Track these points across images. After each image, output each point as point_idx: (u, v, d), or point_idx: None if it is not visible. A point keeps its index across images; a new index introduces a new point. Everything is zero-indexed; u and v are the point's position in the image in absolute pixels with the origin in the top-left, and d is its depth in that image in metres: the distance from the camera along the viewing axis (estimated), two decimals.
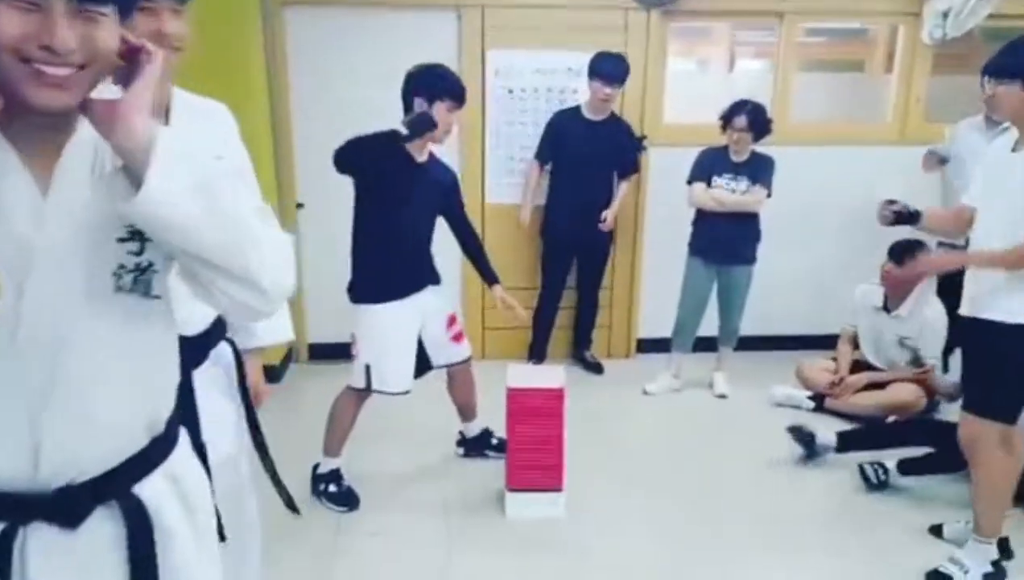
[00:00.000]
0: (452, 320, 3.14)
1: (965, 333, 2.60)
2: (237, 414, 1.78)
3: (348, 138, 2.66)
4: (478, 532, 2.86)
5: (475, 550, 2.75)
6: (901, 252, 3.67)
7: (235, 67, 3.79)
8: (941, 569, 2.59)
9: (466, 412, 3.35)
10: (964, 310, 2.51)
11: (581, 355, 4.57)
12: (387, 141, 2.64)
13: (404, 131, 2.64)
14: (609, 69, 3.91)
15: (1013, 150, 2.42)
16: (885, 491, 3.15)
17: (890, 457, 3.19)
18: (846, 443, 3.35)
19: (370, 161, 2.69)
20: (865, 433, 3.49)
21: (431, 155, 2.94)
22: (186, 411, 1.55)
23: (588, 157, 4.07)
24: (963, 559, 2.58)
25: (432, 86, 2.74)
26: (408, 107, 2.78)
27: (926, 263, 3.56)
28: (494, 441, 3.37)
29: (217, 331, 1.71)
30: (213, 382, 1.69)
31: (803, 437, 3.37)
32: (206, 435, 1.57)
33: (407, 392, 2.97)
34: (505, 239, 4.28)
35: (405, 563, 2.65)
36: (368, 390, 2.94)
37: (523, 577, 2.59)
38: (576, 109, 4.13)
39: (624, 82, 3.98)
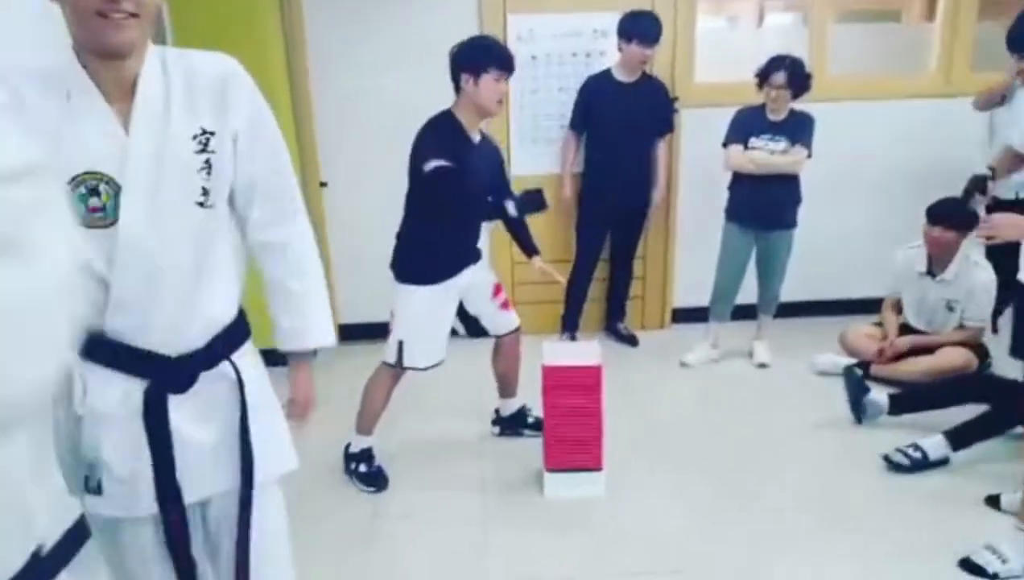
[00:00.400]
0: (498, 289, 3.08)
1: (1018, 298, 2.43)
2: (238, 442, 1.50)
3: (445, 171, 2.62)
4: (515, 512, 2.80)
5: (512, 530, 2.69)
6: (944, 215, 3.50)
7: (253, 46, 3.69)
8: (974, 558, 2.41)
9: (507, 386, 3.28)
10: (1020, 275, 2.35)
11: (614, 327, 4.45)
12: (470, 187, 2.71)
13: (514, 212, 2.76)
14: (647, 29, 3.76)
15: None
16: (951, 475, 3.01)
17: (933, 430, 3.03)
18: (899, 406, 3.23)
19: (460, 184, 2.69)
20: (918, 393, 3.35)
21: (481, 132, 2.85)
22: (158, 447, 1.38)
23: (624, 121, 3.93)
24: (1002, 548, 2.39)
25: (476, 59, 2.66)
26: (457, 86, 2.72)
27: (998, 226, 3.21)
28: (530, 419, 3.30)
29: (217, 349, 1.45)
30: (204, 410, 1.45)
31: (855, 385, 3.27)
32: (186, 475, 1.41)
33: (437, 364, 2.92)
34: None
35: (441, 544, 2.61)
36: (400, 367, 2.89)
37: (561, 557, 2.53)
38: (607, 72, 3.98)
39: (659, 40, 3.83)
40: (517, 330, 3.16)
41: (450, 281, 2.86)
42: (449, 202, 2.72)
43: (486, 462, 3.14)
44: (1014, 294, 2.80)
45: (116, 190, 1.28)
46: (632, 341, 4.38)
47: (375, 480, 2.97)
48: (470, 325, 3.06)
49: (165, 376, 1.37)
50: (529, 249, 3.14)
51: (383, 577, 2.45)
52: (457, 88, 2.73)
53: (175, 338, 1.39)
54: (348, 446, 3.04)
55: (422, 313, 2.84)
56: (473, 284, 2.97)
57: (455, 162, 2.62)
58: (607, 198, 4.08)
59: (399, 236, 2.90)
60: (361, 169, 4.18)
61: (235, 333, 1.49)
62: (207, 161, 1.37)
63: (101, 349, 1.33)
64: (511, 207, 2.76)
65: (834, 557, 2.51)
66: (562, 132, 4.21)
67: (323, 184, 4.26)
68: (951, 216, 3.49)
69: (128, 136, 1.29)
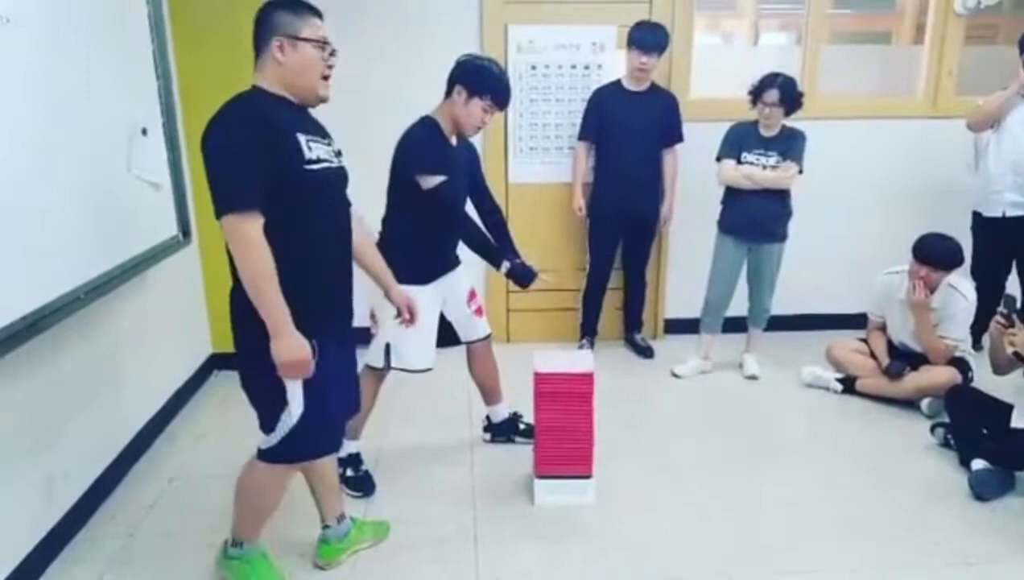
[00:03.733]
0: (472, 295, 3.11)
1: None
2: None
3: (446, 186, 2.71)
4: (505, 518, 2.80)
5: (502, 537, 2.69)
6: (933, 257, 3.49)
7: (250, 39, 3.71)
8: None
9: (489, 394, 3.30)
10: None
11: (632, 338, 4.49)
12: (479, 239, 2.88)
13: (504, 268, 2.91)
14: (643, 37, 3.85)
15: None
16: (938, 476, 3.08)
17: None
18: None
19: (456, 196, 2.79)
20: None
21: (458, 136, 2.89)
22: None
23: (630, 129, 4.00)
24: None
25: (479, 83, 2.71)
26: (449, 91, 2.75)
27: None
28: (521, 426, 3.31)
29: None
30: None
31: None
32: None
33: (429, 369, 2.93)
34: (529, 220, 4.18)
35: (431, 551, 2.60)
36: (387, 369, 2.90)
37: (552, 564, 2.54)
38: (616, 83, 4.06)
39: (663, 51, 3.90)
40: (487, 338, 3.18)
41: (431, 285, 2.88)
42: (449, 214, 2.78)
43: (476, 468, 3.15)
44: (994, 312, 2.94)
45: None
46: (648, 352, 4.39)
47: (363, 485, 2.97)
48: (440, 334, 3.03)
49: None
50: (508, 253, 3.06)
51: None
52: (448, 93, 2.77)
53: None
54: None
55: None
56: (451, 286, 3.00)
57: (446, 172, 2.67)
58: (615, 206, 4.12)
59: (382, 235, 2.89)
60: (359, 168, 4.16)
61: None
62: None
63: None
64: (505, 268, 2.90)
65: (825, 563, 2.54)
66: (558, 142, 4.28)
67: None
68: (940, 258, 3.48)
69: None
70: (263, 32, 2.04)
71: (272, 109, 1.99)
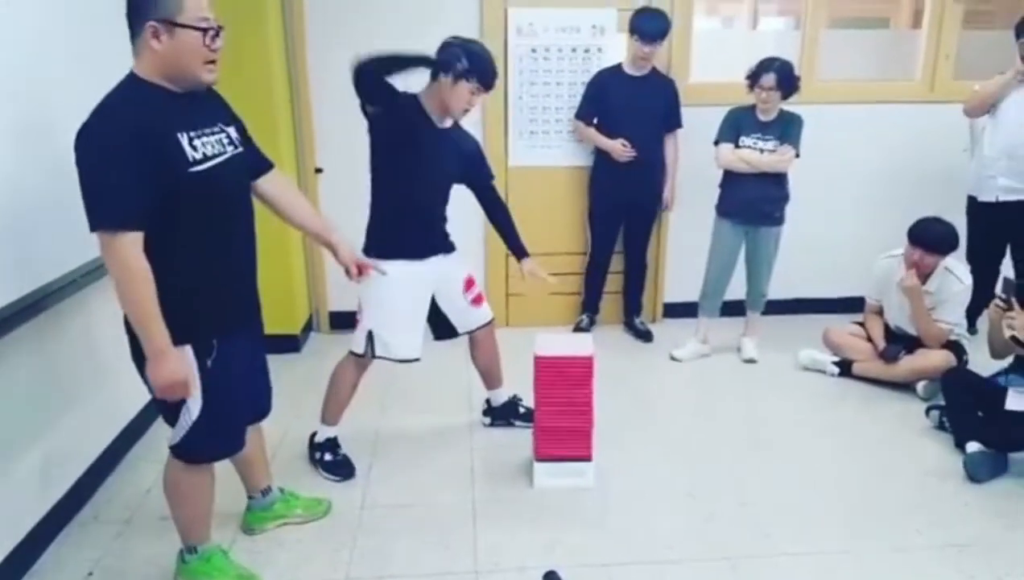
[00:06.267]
0: (469, 283, 3.07)
1: None
2: None
3: (376, 57, 2.54)
4: (505, 502, 2.81)
5: (501, 520, 2.70)
6: (927, 241, 3.51)
7: (252, 32, 3.71)
8: None
9: (490, 379, 3.30)
10: None
11: (631, 322, 4.51)
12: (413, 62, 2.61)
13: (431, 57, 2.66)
14: (646, 26, 3.84)
15: None
16: (933, 458, 3.09)
17: None
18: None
19: (391, 103, 2.66)
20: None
21: (454, 123, 2.86)
22: None
23: (632, 114, 4.00)
24: None
25: (466, 64, 2.65)
26: (435, 74, 2.70)
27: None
28: (521, 410, 3.32)
29: None
30: None
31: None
32: None
33: (415, 360, 2.90)
34: (528, 203, 4.17)
35: (430, 535, 2.61)
36: (370, 357, 2.88)
37: (551, 547, 2.54)
38: (618, 67, 4.05)
39: (663, 39, 3.89)
40: (490, 323, 3.16)
41: (418, 264, 2.83)
42: (381, 149, 2.72)
43: (476, 452, 3.16)
44: (991, 296, 2.97)
45: None
46: (647, 336, 4.40)
47: (341, 469, 2.96)
48: (439, 327, 3.04)
49: None
50: (517, 251, 3.11)
51: (372, 566, 2.46)
52: (434, 76, 2.70)
53: None
54: (313, 435, 3.04)
55: (391, 297, 2.79)
56: (445, 276, 2.96)
57: (413, 134, 2.64)
58: (616, 190, 4.14)
59: (369, 220, 2.88)
60: (356, 156, 4.15)
61: None
62: None
63: None
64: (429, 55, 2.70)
65: (822, 544, 2.56)
66: (558, 125, 4.29)
67: (319, 170, 4.26)
68: (934, 242, 3.50)
69: None
70: (134, 13, 1.80)
71: (150, 106, 1.81)
